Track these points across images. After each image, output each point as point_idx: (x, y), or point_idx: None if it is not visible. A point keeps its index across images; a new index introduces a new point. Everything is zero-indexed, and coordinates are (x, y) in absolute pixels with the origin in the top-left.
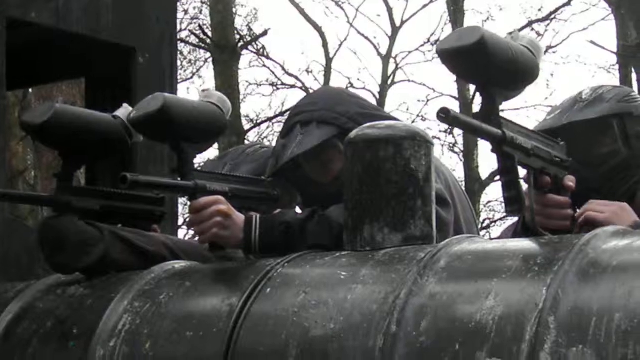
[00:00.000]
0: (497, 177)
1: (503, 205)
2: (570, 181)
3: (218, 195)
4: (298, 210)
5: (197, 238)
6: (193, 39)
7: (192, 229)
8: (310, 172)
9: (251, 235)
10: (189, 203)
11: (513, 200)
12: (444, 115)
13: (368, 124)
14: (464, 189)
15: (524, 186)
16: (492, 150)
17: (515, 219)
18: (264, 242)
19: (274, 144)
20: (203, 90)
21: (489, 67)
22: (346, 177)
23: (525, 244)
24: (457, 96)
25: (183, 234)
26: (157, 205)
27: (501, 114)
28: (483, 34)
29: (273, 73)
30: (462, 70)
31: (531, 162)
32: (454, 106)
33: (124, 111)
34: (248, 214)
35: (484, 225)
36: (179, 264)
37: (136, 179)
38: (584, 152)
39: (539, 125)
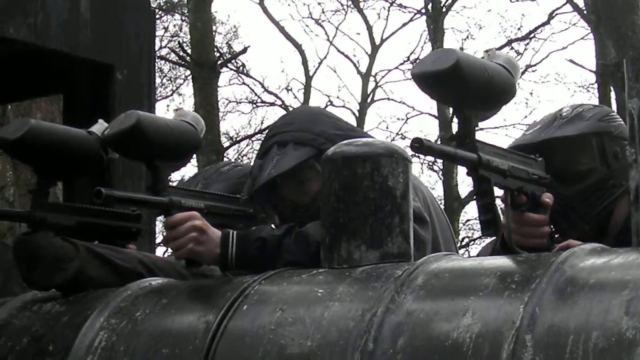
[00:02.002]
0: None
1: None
2: (547, 198)
3: (193, 211)
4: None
5: (173, 254)
6: (173, 57)
7: (168, 245)
8: (288, 193)
9: (228, 250)
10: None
11: (489, 224)
12: (418, 145)
13: (346, 141)
14: (442, 207)
15: (501, 205)
16: (468, 174)
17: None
18: (241, 257)
19: (253, 162)
20: (176, 110)
21: (465, 90)
22: (323, 194)
23: (502, 261)
24: (436, 114)
25: (162, 251)
26: (133, 221)
27: (480, 132)
28: (458, 57)
29: (253, 91)
30: (438, 94)
31: (508, 183)
32: (434, 124)
33: (100, 127)
34: (225, 230)
35: (463, 243)
36: (155, 281)
37: (111, 194)
38: (561, 169)
39: (518, 140)
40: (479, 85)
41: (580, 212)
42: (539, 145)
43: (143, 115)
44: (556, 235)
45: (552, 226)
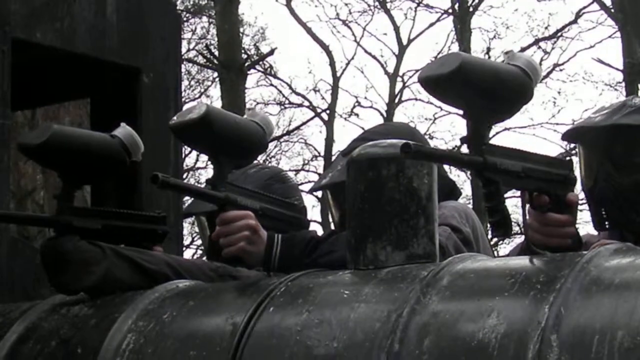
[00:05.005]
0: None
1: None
2: (572, 198)
3: (248, 210)
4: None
5: (223, 251)
6: (200, 59)
7: (219, 240)
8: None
9: (271, 252)
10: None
11: (498, 225)
12: (407, 150)
13: (371, 142)
14: (470, 207)
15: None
16: (475, 176)
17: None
18: (284, 260)
19: (281, 163)
20: (249, 109)
21: (470, 93)
22: (348, 196)
23: (527, 261)
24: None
25: (189, 253)
26: (159, 224)
27: (507, 132)
28: (462, 60)
29: (280, 92)
30: (443, 97)
31: (524, 184)
32: (461, 124)
33: (122, 131)
34: (270, 232)
35: (492, 243)
36: (182, 283)
37: (167, 180)
38: (622, 157)
39: (583, 122)
40: (487, 88)
41: (634, 203)
42: (603, 130)
43: (212, 108)
44: (606, 223)
45: (604, 215)
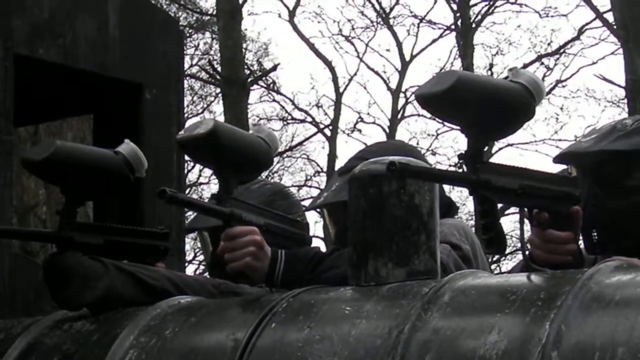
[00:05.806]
0: (507, 213)
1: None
2: (574, 215)
3: (253, 226)
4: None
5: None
6: (203, 75)
7: (225, 255)
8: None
9: (275, 268)
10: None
11: (492, 242)
12: (392, 169)
13: (372, 159)
14: (473, 224)
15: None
16: (470, 194)
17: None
18: (286, 276)
19: (283, 179)
20: (254, 125)
21: (465, 111)
22: (350, 212)
23: (528, 278)
24: None
25: (191, 269)
26: (162, 240)
27: (510, 148)
28: (457, 78)
29: (283, 108)
30: (440, 115)
31: (521, 202)
32: (464, 140)
33: (126, 147)
34: (274, 248)
35: (494, 259)
36: (184, 299)
37: (175, 195)
38: (613, 181)
39: (572, 147)
40: (484, 106)
41: (626, 228)
42: (591, 155)
43: (219, 123)
44: (596, 250)
45: (595, 239)
